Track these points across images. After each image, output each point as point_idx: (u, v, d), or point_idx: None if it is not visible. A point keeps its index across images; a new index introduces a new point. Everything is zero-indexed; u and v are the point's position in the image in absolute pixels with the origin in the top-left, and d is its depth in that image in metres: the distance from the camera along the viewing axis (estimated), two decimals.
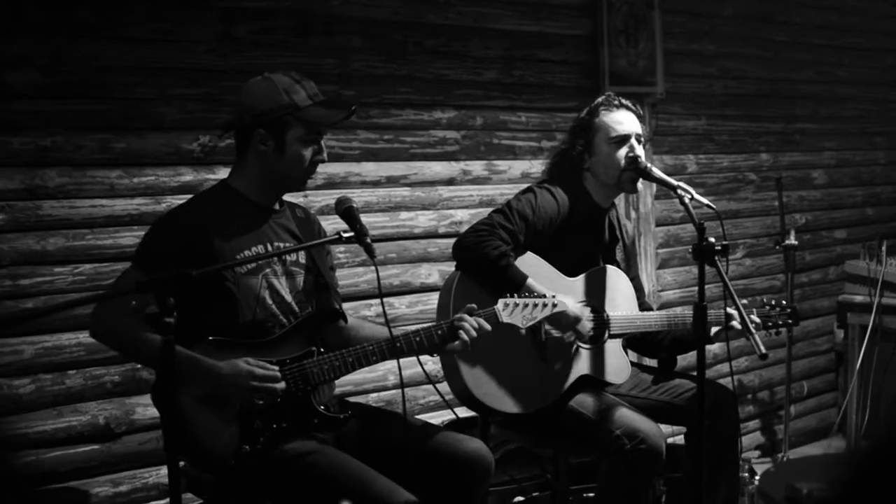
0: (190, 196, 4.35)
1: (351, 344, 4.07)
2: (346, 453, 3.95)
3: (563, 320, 4.65)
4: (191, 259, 3.73)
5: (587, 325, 4.77)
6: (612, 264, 5.08)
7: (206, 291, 3.88)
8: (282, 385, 3.86)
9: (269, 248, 4.11)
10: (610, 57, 6.83)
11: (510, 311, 4.28)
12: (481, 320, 4.15)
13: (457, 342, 4.12)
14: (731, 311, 4.86)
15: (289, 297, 4.16)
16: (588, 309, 4.85)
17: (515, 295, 4.35)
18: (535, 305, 4.34)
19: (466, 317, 4.12)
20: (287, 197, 4.33)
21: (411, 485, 3.89)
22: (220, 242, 3.98)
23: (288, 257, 4.19)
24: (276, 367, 3.88)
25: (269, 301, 4.09)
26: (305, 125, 4.04)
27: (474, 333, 4.11)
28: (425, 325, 4.14)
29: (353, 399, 4.83)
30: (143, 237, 4.09)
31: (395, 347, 4.02)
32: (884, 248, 7.54)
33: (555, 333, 4.75)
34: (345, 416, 4.07)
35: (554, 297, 4.41)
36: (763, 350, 4.29)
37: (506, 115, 6.43)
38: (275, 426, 3.88)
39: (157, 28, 5.02)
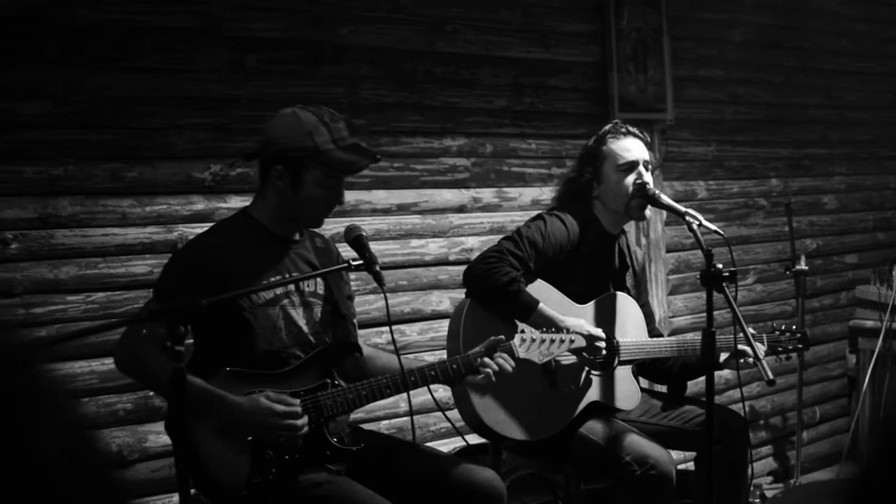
0: (208, 224, 4.39)
1: (367, 374, 4.09)
2: (358, 483, 3.94)
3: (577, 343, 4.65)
4: (209, 289, 3.71)
5: (602, 344, 4.78)
6: (622, 291, 5.10)
7: (223, 321, 3.89)
8: (304, 421, 3.85)
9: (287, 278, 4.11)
10: (619, 84, 6.85)
11: (527, 346, 4.29)
12: (504, 362, 4.17)
13: (480, 377, 4.14)
14: (741, 346, 4.86)
15: (305, 328, 4.15)
16: (600, 330, 4.86)
17: (533, 330, 4.35)
18: (553, 341, 4.34)
19: (489, 360, 4.14)
20: None
21: None
22: (238, 273, 3.97)
23: (306, 287, 4.19)
24: (297, 402, 3.87)
25: (286, 331, 4.08)
26: (323, 169, 4.02)
27: (493, 378, 4.14)
28: (441, 360, 4.16)
29: (365, 426, 4.83)
30: (163, 267, 4.10)
31: (408, 382, 4.03)
32: (894, 273, 7.55)
33: (565, 361, 4.75)
34: (357, 448, 4.06)
35: (570, 331, 4.42)
36: (771, 376, 4.30)
37: (516, 142, 6.45)
38: (287, 457, 3.87)
39: (168, 58, 5.05)
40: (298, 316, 4.14)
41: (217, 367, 3.85)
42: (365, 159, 4.15)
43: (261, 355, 4.00)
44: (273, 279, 4.05)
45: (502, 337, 4.23)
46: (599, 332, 4.75)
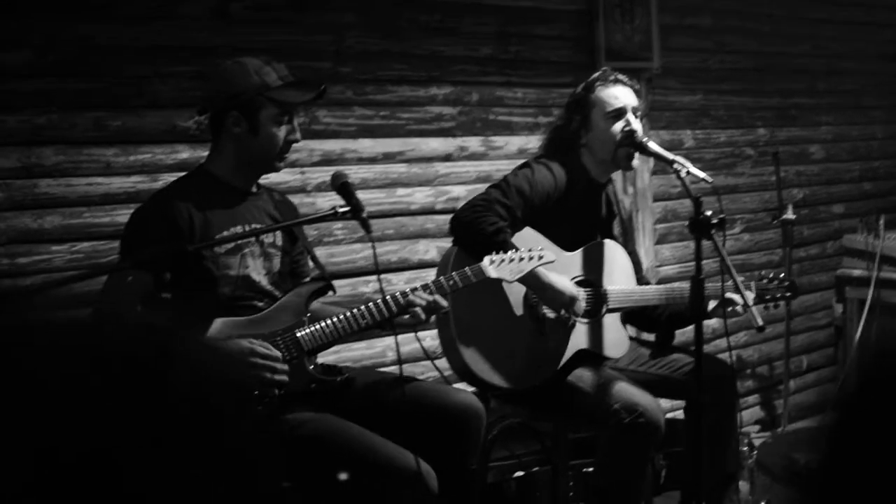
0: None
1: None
2: (342, 416, 3.98)
3: (557, 301, 4.66)
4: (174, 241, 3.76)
5: (582, 304, 4.78)
6: (610, 239, 5.08)
7: (185, 272, 3.87)
8: (283, 367, 3.89)
9: (247, 228, 4.12)
10: (606, 32, 6.81)
11: (497, 265, 4.32)
12: (435, 297, 4.17)
13: (406, 316, 4.14)
14: (728, 294, 4.86)
15: (265, 278, 4.19)
16: (581, 290, 4.85)
17: (501, 251, 4.36)
18: (522, 258, 4.38)
19: (417, 294, 4.15)
20: (275, 177, 4.34)
21: (407, 440, 3.95)
22: (199, 225, 4.00)
23: (265, 239, 4.22)
24: (277, 353, 3.90)
25: (245, 280, 4.11)
26: (277, 105, 4.06)
27: (421, 316, 4.14)
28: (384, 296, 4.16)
29: None
30: (124, 228, 4.10)
31: (382, 307, 4.06)
32: (881, 223, 7.55)
33: (550, 315, 4.75)
34: (341, 378, 4.09)
35: (541, 249, 4.43)
36: (761, 322, 4.29)
37: (502, 90, 6.42)
38: (267, 398, 3.88)
39: (151, 5, 5.01)
40: (258, 265, 4.17)
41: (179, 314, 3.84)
42: (312, 90, 4.23)
43: (222, 303, 4.03)
44: (233, 229, 4.08)
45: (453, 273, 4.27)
46: (577, 293, 4.73)
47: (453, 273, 4.23)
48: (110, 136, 4.92)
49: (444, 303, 4.19)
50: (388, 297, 4.10)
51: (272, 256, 4.23)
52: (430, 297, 4.14)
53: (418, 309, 4.10)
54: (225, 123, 4.09)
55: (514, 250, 4.41)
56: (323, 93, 4.25)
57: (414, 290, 4.15)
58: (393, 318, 4.12)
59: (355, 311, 4.05)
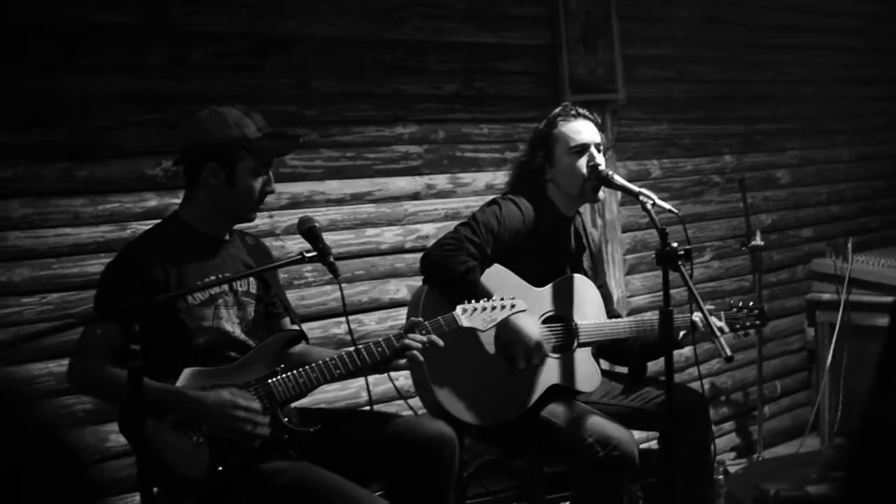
0: (154, 223, 4.38)
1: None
2: (317, 463, 3.98)
3: (524, 347, 4.67)
4: (148, 292, 3.76)
5: (547, 348, 4.79)
6: (580, 273, 5.10)
7: (158, 324, 3.85)
8: (265, 419, 3.90)
9: (222, 278, 4.12)
10: (570, 65, 6.85)
11: (469, 314, 4.33)
12: (431, 336, 4.19)
13: (403, 361, 4.15)
14: (695, 316, 4.90)
15: (239, 328, 4.18)
16: (545, 329, 4.86)
17: (473, 300, 4.38)
18: (494, 307, 4.39)
19: (411, 337, 4.16)
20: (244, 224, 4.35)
21: (382, 475, 4.05)
22: (173, 277, 4.00)
23: (239, 287, 4.21)
24: (257, 405, 3.90)
25: (220, 331, 4.11)
26: (256, 157, 4.07)
27: (419, 358, 4.16)
28: (366, 343, 4.15)
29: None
30: (98, 282, 4.10)
31: (355, 358, 4.05)
32: (849, 246, 7.59)
33: (521, 364, 4.75)
34: (315, 429, 4.08)
35: (513, 298, 4.45)
36: (728, 353, 4.31)
37: (468, 127, 6.44)
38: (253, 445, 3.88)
39: (112, 56, 5.01)
40: (232, 315, 4.17)
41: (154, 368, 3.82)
42: (290, 142, 4.28)
43: (195, 355, 4.01)
44: (208, 279, 4.07)
45: (420, 319, 4.26)
46: (541, 338, 4.75)
47: (426, 322, 4.24)
48: (78, 186, 4.91)
49: (440, 342, 4.21)
50: (380, 341, 4.12)
51: (246, 305, 4.23)
52: (425, 338, 4.16)
53: (416, 352, 4.12)
54: (202, 174, 4.09)
55: (486, 299, 4.42)
56: (299, 145, 4.33)
57: (399, 335, 4.15)
58: (387, 363, 4.14)
59: (329, 359, 4.05)
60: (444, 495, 4.23)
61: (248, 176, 4.07)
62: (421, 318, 4.25)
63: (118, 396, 3.89)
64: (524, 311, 4.53)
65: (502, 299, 4.43)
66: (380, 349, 4.10)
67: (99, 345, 3.84)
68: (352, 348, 4.08)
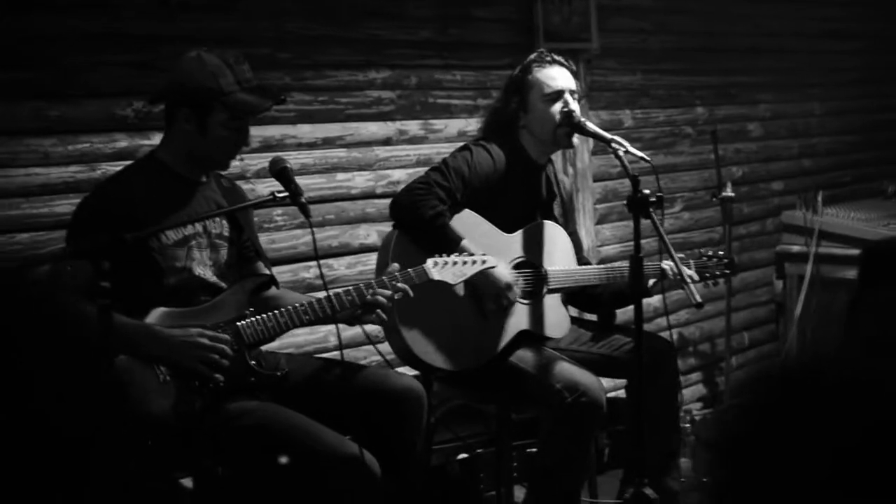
0: (125, 164, 4.36)
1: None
2: (285, 405, 3.99)
3: (493, 288, 4.68)
4: (120, 232, 3.72)
5: (517, 291, 4.80)
6: (550, 220, 5.10)
7: (131, 262, 3.83)
8: (230, 353, 3.90)
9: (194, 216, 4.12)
10: (544, 13, 6.82)
11: (440, 268, 4.35)
12: (400, 285, 4.20)
13: (373, 316, 4.17)
14: (665, 263, 4.91)
15: (211, 270, 4.19)
16: (516, 273, 4.87)
17: (445, 254, 4.38)
18: (465, 262, 4.41)
19: (380, 292, 4.15)
20: None
21: (349, 426, 4.03)
22: (147, 216, 3.97)
23: (213, 229, 4.21)
24: (227, 337, 3.92)
25: (192, 272, 4.11)
26: (229, 110, 4.04)
27: (384, 316, 4.18)
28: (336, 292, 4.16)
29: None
30: (71, 217, 4.10)
31: (325, 306, 4.06)
32: (820, 199, 7.63)
33: (491, 306, 4.76)
34: (281, 372, 4.10)
35: (484, 254, 4.45)
36: (699, 299, 4.33)
37: (440, 73, 6.41)
38: (211, 385, 3.87)
39: None
40: (204, 257, 4.17)
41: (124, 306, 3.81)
42: (269, 100, 4.19)
43: (167, 295, 4.01)
44: (182, 219, 4.07)
45: (396, 265, 4.28)
46: (512, 280, 4.76)
47: (396, 273, 4.24)
48: (48, 125, 4.87)
49: (410, 292, 4.23)
50: (350, 290, 4.14)
51: (219, 247, 4.23)
52: (392, 293, 4.17)
53: (381, 312, 4.15)
54: (176, 116, 4.08)
55: (457, 254, 4.44)
56: (280, 102, 4.25)
57: (368, 286, 4.15)
58: (356, 314, 4.16)
59: (298, 305, 4.06)
60: (412, 447, 4.27)
61: (220, 127, 4.05)
62: (396, 264, 4.25)
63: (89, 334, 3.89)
64: (494, 266, 4.55)
65: (472, 255, 4.44)
66: (349, 298, 4.11)
67: (70, 282, 3.82)
68: (322, 294, 4.08)
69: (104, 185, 4.17)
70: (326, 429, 3.90)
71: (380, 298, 4.13)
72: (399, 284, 4.19)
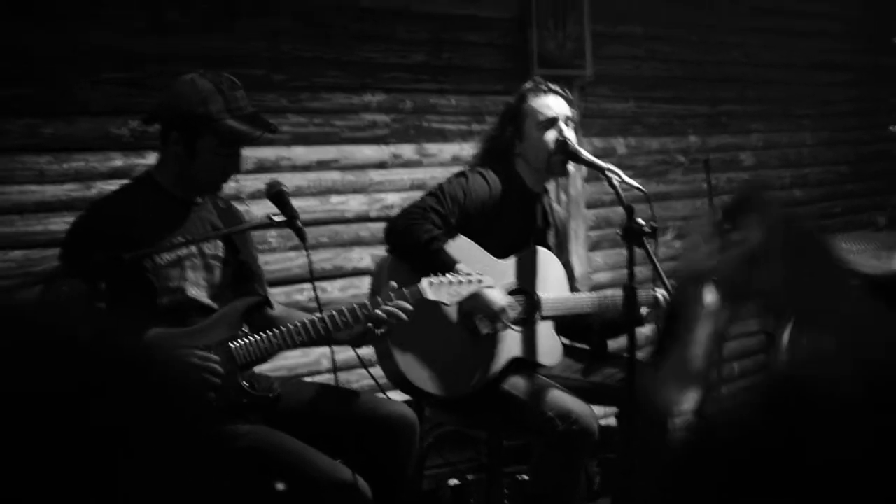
0: (120, 183, 4.36)
1: None
2: (277, 428, 3.98)
3: (488, 311, 4.67)
4: (114, 251, 3.70)
5: (511, 314, 4.79)
6: (544, 248, 5.10)
7: (124, 282, 3.82)
8: (220, 371, 3.88)
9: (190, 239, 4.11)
10: (538, 40, 6.84)
11: (436, 287, 4.33)
12: (398, 306, 4.17)
13: (380, 330, 4.17)
14: (660, 291, 4.91)
15: (204, 292, 4.17)
16: (511, 298, 4.87)
17: (440, 274, 4.38)
18: (461, 282, 4.40)
19: (379, 311, 4.14)
20: None
21: (341, 452, 4.02)
22: (141, 235, 3.95)
23: (207, 250, 4.20)
24: (217, 357, 3.90)
25: (187, 293, 4.10)
26: (217, 136, 4.03)
27: (389, 320, 4.17)
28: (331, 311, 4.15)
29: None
30: (66, 235, 4.10)
31: (318, 327, 4.05)
32: None
33: (484, 329, 4.76)
34: (273, 394, 4.09)
35: (480, 273, 4.45)
36: None
37: (435, 98, 6.43)
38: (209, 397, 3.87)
39: (83, 11, 4.98)
40: (199, 278, 4.16)
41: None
42: (258, 129, 4.15)
43: (160, 315, 3.99)
44: (177, 240, 4.06)
45: (393, 283, 4.26)
46: (506, 302, 4.75)
47: (391, 292, 4.23)
48: (43, 143, 4.89)
49: (409, 307, 4.21)
50: (343, 310, 4.13)
51: (213, 268, 4.22)
52: (394, 310, 4.16)
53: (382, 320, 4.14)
54: (168, 138, 4.07)
55: (452, 273, 4.43)
56: (271, 132, 4.23)
57: (362, 306, 4.15)
58: (351, 334, 4.16)
59: (292, 326, 4.04)
60: (403, 474, 4.26)
61: (208, 152, 4.04)
62: (394, 283, 4.24)
63: None
64: (491, 286, 4.54)
65: (469, 274, 4.43)
66: (343, 319, 4.10)
67: (65, 298, 3.82)
68: (316, 315, 4.08)
69: (99, 204, 4.16)
70: (319, 453, 3.89)
71: (379, 313, 4.12)
72: (390, 307, 4.17)
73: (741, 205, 2.33)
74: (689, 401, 2.18)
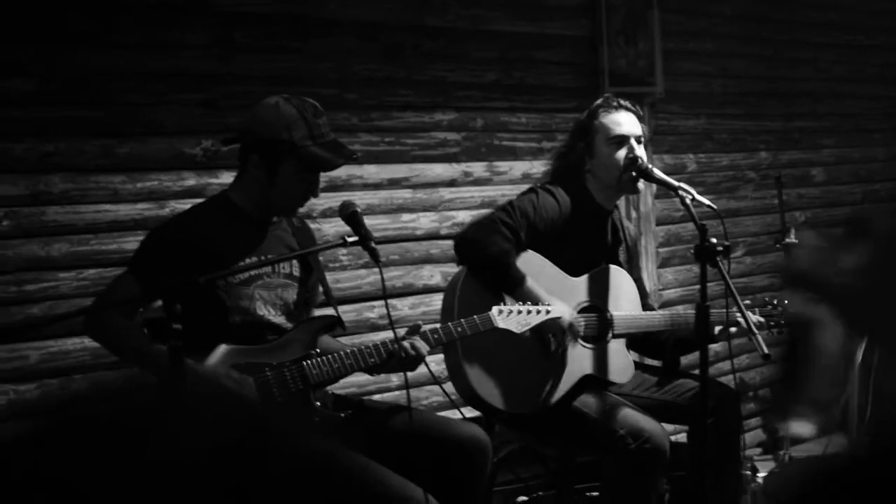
0: (193, 202, 4.41)
1: None
2: (350, 449, 3.98)
3: (557, 327, 4.67)
4: (186, 268, 3.75)
5: (578, 330, 4.79)
6: (615, 265, 5.10)
7: (196, 299, 3.85)
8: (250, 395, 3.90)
9: (264, 260, 4.14)
10: (609, 57, 6.85)
11: (505, 315, 4.36)
12: (417, 343, 4.17)
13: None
14: (736, 315, 4.87)
15: (277, 310, 4.20)
16: (582, 318, 4.86)
17: (510, 302, 4.40)
18: (530, 311, 4.42)
19: (406, 344, 4.15)
20: None
21: (412, 472, 3.97)
22: (215, 253, 4.00)
23: (281, 269, 4.23)
24: (252, 384, 3.92)
25: (259, 312, 4.13)
26: (299, 162, 4.06)
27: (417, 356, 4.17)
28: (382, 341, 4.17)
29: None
30: (140, 244, 4.15)
31: (393, 350, 4.07)
32: None
33: (554, 345, 4.76)
34: (345, 414, 4.11)
35: (548, 304, 4.46)
36: (766, 350, 4.32)
37: (506, 116, 6.45)
38: None
39: (155, 33, 5.04)
40: (272, 297, 4.19)
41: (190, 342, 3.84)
42: (341, 157, 4.19)
43: (231, 332, 4.03)
44: (249, 260, 4.10)
45: (419, 323, 4.30)
46: (573, 321, 4.75)
47: (462, 320, 4.28)
48: (117, 163, 4.95)
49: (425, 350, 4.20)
50: (416, 336, 4.16)
51: (287, 287, 4.25)
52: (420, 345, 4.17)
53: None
54: (248, 161, 4.11)
55: (521, 303, 4.45)
56: (352, 161, 4.30)
57: (435, 331, 4.19)
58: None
59: (364, 347, 4.07)
60: (475, 496, 4.27)
61: (289, 178, 4.08)
62: (419, 324, 4.28)
63: (122, 351, 4.05)
64: (559, 318, 4.55)
65: (538, 304, 4.46)
66: (412, 344, 4.13)
67: (121, 299, 3.90)
68: (389, 338, 4.09)
69: (174, 218, 4.25)
70: (391, 472, 3.90)
71: (406, 345, 4.12)
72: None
73: (858, 225, 2.31)
74: (813, 427, 2.17)
